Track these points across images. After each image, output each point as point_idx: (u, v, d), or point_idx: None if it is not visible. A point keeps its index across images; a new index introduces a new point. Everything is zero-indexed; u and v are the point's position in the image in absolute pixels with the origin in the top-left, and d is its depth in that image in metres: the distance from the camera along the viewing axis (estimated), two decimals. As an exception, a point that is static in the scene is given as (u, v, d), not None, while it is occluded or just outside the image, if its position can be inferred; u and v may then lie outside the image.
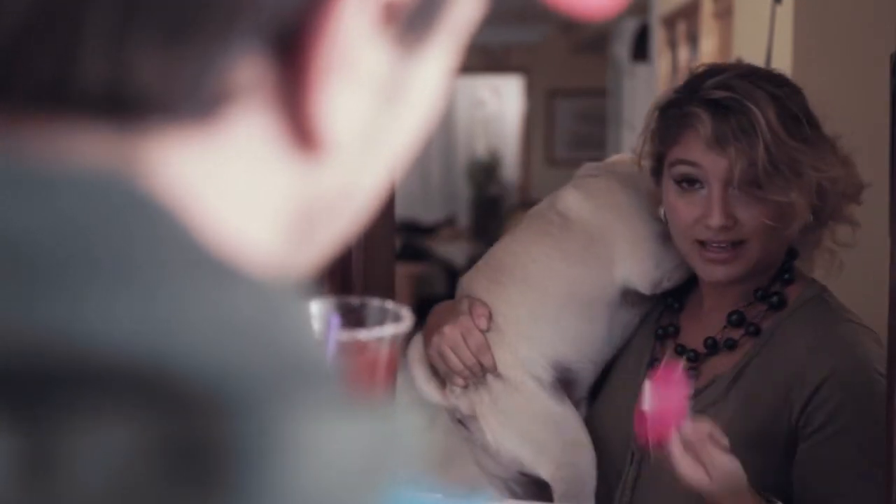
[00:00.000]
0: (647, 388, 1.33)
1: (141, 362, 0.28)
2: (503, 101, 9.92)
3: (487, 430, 1.60)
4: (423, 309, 1.71)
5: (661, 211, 1.59)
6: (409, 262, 6.87)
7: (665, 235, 1.60)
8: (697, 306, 1.64)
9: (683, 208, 1.51)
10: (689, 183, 1.51)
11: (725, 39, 4.21)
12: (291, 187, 0.35)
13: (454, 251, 8.02)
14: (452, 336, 1.58)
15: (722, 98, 1.48)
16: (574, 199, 1.65)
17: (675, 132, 1.52)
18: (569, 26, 7.99)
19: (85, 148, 0.31)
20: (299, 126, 0.34)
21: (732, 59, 3.81)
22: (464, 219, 9.49)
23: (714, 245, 1.49)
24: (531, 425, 1.60)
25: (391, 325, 0.68)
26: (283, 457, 0.28)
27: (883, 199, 1.85)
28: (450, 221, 9.45)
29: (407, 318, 0.69)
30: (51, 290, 0.28)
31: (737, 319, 1.56)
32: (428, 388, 1.63)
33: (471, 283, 1.67)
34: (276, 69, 0.33)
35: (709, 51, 4.46)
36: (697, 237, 1.50)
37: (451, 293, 1.78)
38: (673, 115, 1.53)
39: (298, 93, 0.33)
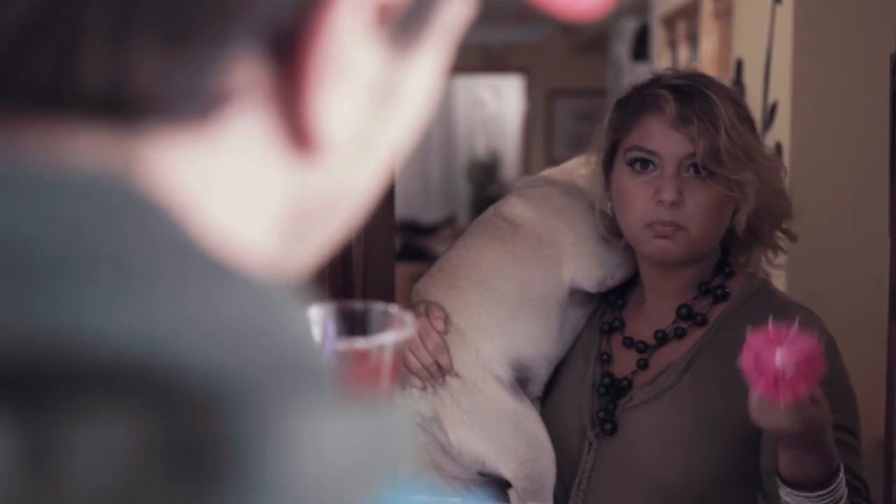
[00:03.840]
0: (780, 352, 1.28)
1: (139, 361, 0.28)
2: (503, 100, 9.93)
3: (450, 431, 1.64)
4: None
5: (609, 205, 1.66)
6: (409, 262, 6.86)
7: (606, 238, 1.68)
8: (639, 302, 1.71)
9: (636, 189, 1.58)
10: (642, 165, 1.58)
11: (725, 39, 4.21)
12: (287, 188, 0.35)
13: (454, 251, 8.00)
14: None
15: (684, 84, 1.58)
16: (519, 206, 1.73)
17: (633, 118, 1.61)
18: (569, 26, 7.99)
19: (83, 149, 0.31)
20: (295, 127, 0.34)
21: (732, 60, 3.83)
22: (464, 219, 9.48)
23: (661, 224, 1.56)
24: (494, 424, 1.65)
25: (393, 331, 0.67)
26: (279, 454, 0.28)
27: (883, 199, 1.85)
28: (450, 221, 9.45)
29: (410, 323, 0.69)
30: (49, 290, 0.28)
31: (686, 313, 1.64)
32: None
33: (426, 289, 1.72)
34: (272, 71, 0.33)
35: (709, 51, 4.46)
36: (648, 219, 1.57)
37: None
38: (633, 102, 1.62)
39: (294, 94, 0.33)
